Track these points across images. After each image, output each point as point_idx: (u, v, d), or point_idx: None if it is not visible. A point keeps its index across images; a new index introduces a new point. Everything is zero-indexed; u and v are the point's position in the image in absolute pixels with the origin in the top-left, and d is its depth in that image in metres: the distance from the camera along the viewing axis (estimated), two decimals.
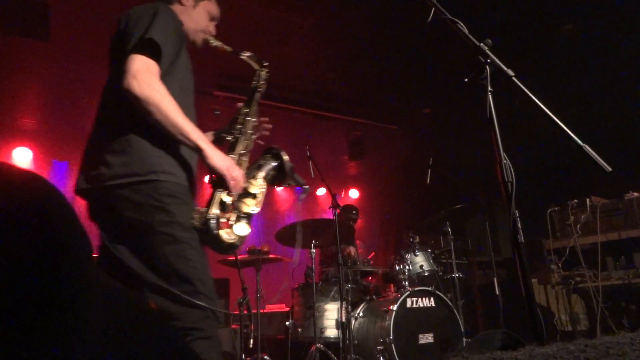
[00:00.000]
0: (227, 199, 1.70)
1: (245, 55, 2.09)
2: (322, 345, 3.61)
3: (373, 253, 5.62)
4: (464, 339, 3.60)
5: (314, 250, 3.79)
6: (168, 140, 1.62)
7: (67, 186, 6.02)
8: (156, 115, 1.55)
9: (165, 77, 1.63)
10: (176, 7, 1.90)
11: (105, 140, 1.63)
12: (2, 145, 5.72)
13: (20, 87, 5.09)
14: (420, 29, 4.21)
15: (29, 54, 4.53)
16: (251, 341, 3.56)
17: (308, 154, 3.84)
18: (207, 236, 1.64)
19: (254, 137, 2.01)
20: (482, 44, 1.50)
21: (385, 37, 4.77)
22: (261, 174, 1.90)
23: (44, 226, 0.41)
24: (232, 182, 1.68)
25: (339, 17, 4.50)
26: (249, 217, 1.77)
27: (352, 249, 4.79)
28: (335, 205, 3.72)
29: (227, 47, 2.04)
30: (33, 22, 4.01)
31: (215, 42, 2.03)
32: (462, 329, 3.64)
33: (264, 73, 2.11)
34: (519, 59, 3.54)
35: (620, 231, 3.73)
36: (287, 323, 4.00)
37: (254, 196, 1.82)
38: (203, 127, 2.00)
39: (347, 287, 3.68)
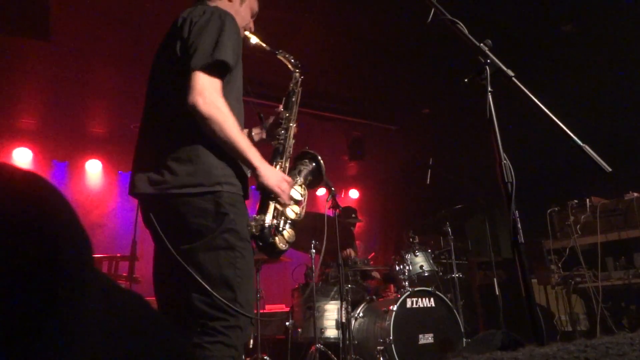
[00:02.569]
0: (280, 208, 1.81)
1: (282, 54, 2.16)
2: (322, 346, 3.61)
3: (373, 253, 5.62)
4: (464, 339, 3.60)
5: (313, 251, 3.79)
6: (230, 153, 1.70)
7: (67, 186, 6.03)
8: (218, 134, 1.61)
9: (224, 88, 1.68)
10: (224, 4, 1.91)
11: (170, 147, 1.67)
12: (2, 145, 5.72)
13: (20, 87, 5.09)
14: (420, 29, 4.21)
15: (29, 54, 4.53)
16: (251, 341, 3.56)
17: None
18: (263, 243, 1.74)
19: (293, 141, 2.08)
20: (482, 44, 1.50)
21: (385, 37, 4.77)
22: (300, 179, 1.98)
23: (44, 226, 0.41)
24: (284, 196, 1.78)
25: (339, 18, 4.50)
26: (294, 223, 1.86)
27: (351, 252, 4.79)
28: (335, 205, 3.72)
29: (265, 45, 2.08)
30: (33, 22, 4.01)
31: (255, 40, 2.07)
32: (462, 329, 3.64)
33: (297, 74, 2.18)
34: (519, 59, 3.54)
35: (620, 231, 3.73)
36: (287, 323, 4.00)
37: (298, 202, 1.90)
38: None
39: (347, 287, 3.68)
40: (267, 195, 1.78)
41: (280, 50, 2.14)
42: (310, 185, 2.04)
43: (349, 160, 7.19)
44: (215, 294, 1.56)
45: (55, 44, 4.35)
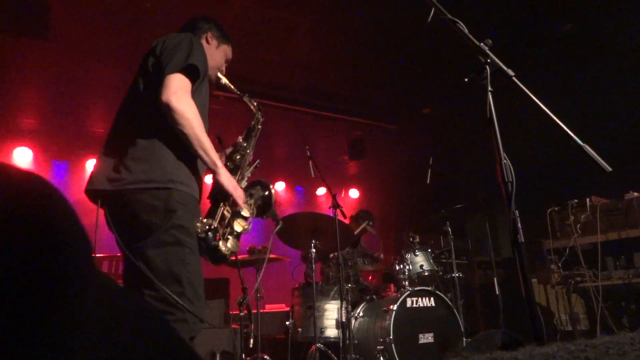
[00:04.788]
0: (227, 215, 1.91)
1: (246, 97, 2.41)
2: (322, 345, 3.61)
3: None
4: (464, 339, 3.60)
5: (313, 250, 3.79)
6: (186, 154, 1.81)
7: (67, 186, 6.03)
8: (187, 129, 1.74)
9: (192, 94, 1.84)
10: (202, 43, 2.13)
11: (128, 147, 1.80)
12: (2, 145, 5.72)
13: (20, 87, 5.09)
14: (421, 29, 4.21)
15: (29, 53, 4.53)
16: (251, 341, 3.56)
17: (308, 154, 3.84)
18: (207, 245, 1.79)
19: (249, 169, 2.24)
20: (482, 43, 1.50)
21: (385, 37, 4.77)
22: (251, 201, 2.12)
23: (44, 226, 0.41)
24: (239, 200, 1.92)
25: (339, 17, 4.50)
26: (238, 235, 1.98)
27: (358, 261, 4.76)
28: (335, 205, 3.72)
29: (232, 87, 2.31)
30: (33, 22, 4.01)
31: (224, 80, 2.31)
32: (462, 329, 3.64)
33: (259, 115, 2.40)
34: (519, 59, 3.54)
35: (620, 231, 3.73)
36: (287, 323, 4.00)
37: (244, 218, 2.02)
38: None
39: (347, 287, 3.68)
40: (219, 201, 1.90)
41: (245, 94, 2.39)
42: (258, 211, 2.17)
43: (349, 160, 7.20)
44: (162, 286, 1.64)
45: (55, 44, 4.34)
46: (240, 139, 2.29)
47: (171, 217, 1.71)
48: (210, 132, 2.22)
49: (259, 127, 2.39)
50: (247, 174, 2.21)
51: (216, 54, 2.20)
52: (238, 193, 1.92)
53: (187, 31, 2.12)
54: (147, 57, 1.93)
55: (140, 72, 1.94)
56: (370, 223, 4.84)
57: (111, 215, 1.79)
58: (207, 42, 2.17)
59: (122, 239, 1.75)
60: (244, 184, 2.16)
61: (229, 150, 2.31)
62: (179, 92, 1.74)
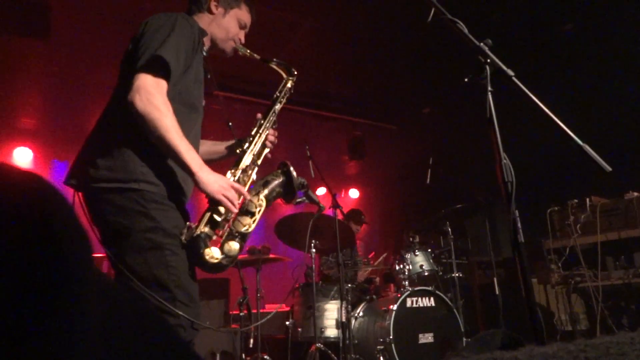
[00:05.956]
0: (218, 219, 1.69)
1: (275, 63, 2.12)
2: (322, 345, 3.61)
3: (373, 253, 5.62)
4: (464, 339, 3.60)
5: (314, 250, 3.79)
6: (158, 151, 1.63)
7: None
8: (153, 132, 1.57)
9: (170, 93, 1.65)
10: (205, 16, 1.93)
11: (99, 142, 1.69)
12: (2, 145, 5.71)
13: (20, 87, 5.09)
14: (421, 29, 4.21)
15: (29, 53, 4.53)
16: (251, 341, 3.56)
17: (308, 154, 3.84)
18: (193, 254, 1.63)
19: (266, 150, 2.00)
20: (482, 44, 1.50)
21: (385, 37, 4.77)
22: (265, 192, 1.87)
23: (44, 226, 0.41)
24: (226, 203, 1.67)
25: (339, 17, 4.50)
26: (242, 236, 1.75)
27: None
28: (335, 205, 3.72)
29: (255, 55, 2.05)
30: (33, 22, 4.01)
31: (243, 50, 2.04)
32: (462, 329, 3.64)
33: (290, 83, 2.12)
34: (519, 59, 3.54)
35: (620, 231, 3.73)
36: (287, 323, 4.00)
37: (251, 215, 1.79)
38: (204, 130, 2.00)
39: (347, 287, 3.68)
40: (213, 204, 1.69)
41: (272, 59, 2.11)
42: (284, 197, 1.94)
43: (349, 160, 7.20)
44: (152, 293, 1.52)
45: (55, 44, 4.34)
46: (259, 115, 2.05)
47: (143, 220, 1.57)
48: (209, 133, 2.13)
49: (283, 98, 2.09)
50: (258, 158, 1.95)
51: (225, 22, 1.96)
52: (230, 195, 1.67)
53: (191, 4, 1.94)
54: (130, 45, 1.77)
55: (122, 61, 1.80)
56: (362, 216, 4.97)
57: (85, 214, 1.66)
58: (211, 12, 1.93)
59: (98, 238, 1.64)
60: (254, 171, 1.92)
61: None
62: (142, 91, 1.57)
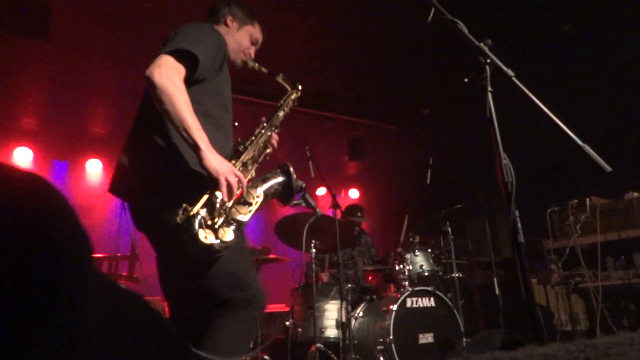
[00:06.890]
0: (215, 203, 1.68)
1: (280, 77, 2.26)
2: (322, 345, 3.61)
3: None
4: (464, 339, 3.60)
5: (314, 250, 3.79)
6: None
7: (67, 186, 6.02)
8: (167, 105, 1.62)
9: (198, 87, 1.77)
10: (221, 29, 2.06)
11: (140, 147, 1.81)
12: (2, 145, 5.72)
13: (20, 87, 5.09)
14: (420, 29, 4.21)
15: (29, 54, 4.53)
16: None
17: (308, 154, 3.84)
18: (185, 233, 1.62)
19: (267, 150, 2.09)
20: (482, 44, 1.50)
21: (385, 37, 4.77)
22: (263, 187, 1.90)
23: (44, 226, 0.41)
24: (224, 187, 1.66)
25: (339, 17, 4.50)
26: (238, 224, 1.75)
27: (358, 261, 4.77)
28: (335, 205, 3.72)
29: (263, 69, 2.19)
30: (33, 22, 4.01)
31: (252, 64, 2.19)
32: (462, 329, 3.64)
33: (294, 95, 2.24)
34: (519, 59, 3.54)
35: (620, 231, 3.73)
36: (287, 323, 4.00)
37: (248, 205, 1.81)
38: None
39: (347, 287, 3.68)
40: (211, 188, 1.68)
41: (279, 74, 2.25)
42: (280, 197, 1.99)
43: (349, 160, 7.20)
44: (222, 292, 1.73)
45: (55, 44, 4.34)
46: (263, 118, 2.13)
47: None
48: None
49: (287, 107, 2.20)
50: (258, 156, 2.03)
51: (238, 36, 2.11)
52: (230, 178, 1.66)
53: (210, 17, 2.08)
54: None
55: None
56: (359, 214, 5.04)
57: (134, 217, 1.85)
58: (227, 25, 2.09)
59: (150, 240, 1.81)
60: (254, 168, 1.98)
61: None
62: (163, 67, 1.63)
